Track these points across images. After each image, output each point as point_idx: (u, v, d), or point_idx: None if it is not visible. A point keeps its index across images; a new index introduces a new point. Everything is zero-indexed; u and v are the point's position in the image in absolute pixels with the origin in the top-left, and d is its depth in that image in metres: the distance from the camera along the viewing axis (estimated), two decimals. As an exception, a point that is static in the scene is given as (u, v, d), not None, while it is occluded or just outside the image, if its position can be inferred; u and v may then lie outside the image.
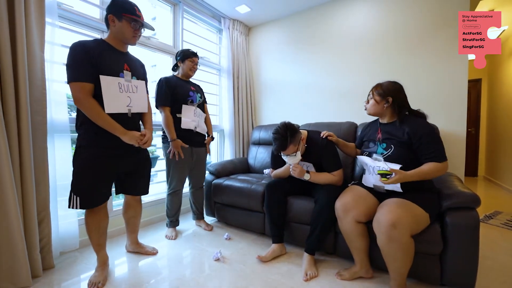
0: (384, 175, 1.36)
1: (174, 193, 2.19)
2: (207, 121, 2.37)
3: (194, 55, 2.20)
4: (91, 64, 1.37)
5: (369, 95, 1.65)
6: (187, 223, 2.50)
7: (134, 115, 1.59)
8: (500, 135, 4.33)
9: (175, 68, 2.27)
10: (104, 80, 1.39)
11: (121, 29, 1.47)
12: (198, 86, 2.36)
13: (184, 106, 2.10)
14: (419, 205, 1.35)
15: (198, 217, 2.44)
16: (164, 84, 2.04)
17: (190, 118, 2.12)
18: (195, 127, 2.16)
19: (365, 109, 1.67)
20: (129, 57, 1.60)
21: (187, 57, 2.16)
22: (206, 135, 2.37)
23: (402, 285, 1.36)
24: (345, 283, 1.53)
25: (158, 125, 2.25)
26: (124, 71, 1.51)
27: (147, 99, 1.70)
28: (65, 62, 1.38)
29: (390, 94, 1.54)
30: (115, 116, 1.44)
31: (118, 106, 1.46)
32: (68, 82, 1.37)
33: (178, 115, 2.09)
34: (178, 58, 2.19)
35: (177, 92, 2.08)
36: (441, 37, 2.30)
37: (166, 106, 2.03)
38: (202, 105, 2.31)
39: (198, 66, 2.25)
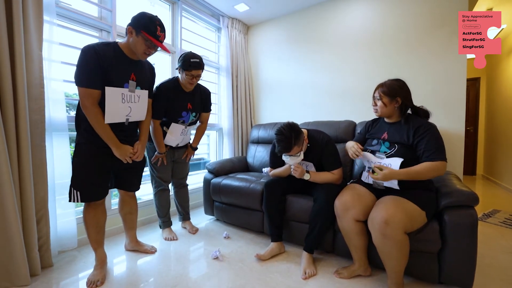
0: (373, 171, 1.37)
1: (160, 191, 2.12)
2: (199, 130, 2.23)
3: (195, 67, 1.85)
4: (101, 70, 1.38)
5: (375, 97, 1.60)
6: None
7: (131, 123, 1.61)
8: (499, 133, 4.34)
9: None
10: (109, 91, 1.41)
11: (136, 43, 1.46)
12: (201, 95, 2.11)
13: (173, 124, 1.96)
14: (414, 203, 1.35)
15: (184, 218, 2.34)
16: (161, 96, 1.85)
17: (175, 136, 2.00)
18: (177, 144, 2.06)
19: (375, 112, 1.63)
20: (138, 65, 1.58)
21: (185, 69, 1.85)
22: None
23: (399, 283, 1.37)
24: (344, 281, 1.53)
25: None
26: (130, 81, 1.51)
27: (148, 107, 1.68)
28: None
29: (398, 94, 1.52)
30: (113, 124, 1.48)
31: (118, 116, 1.49)
32: (76, 85, 1.38)
33: (165, 129, 1.97)
34: (179, 64, 1.90)
35: (171, 108, 1.92)
36: (439, 36, 2.30)
37: (158, 119, 1.89)
38: (197, 120, 2.14)
39: (200, 78, 1.95)
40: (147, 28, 1.43)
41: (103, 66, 1.39)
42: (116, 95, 1.45)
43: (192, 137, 2.27)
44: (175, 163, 2.18)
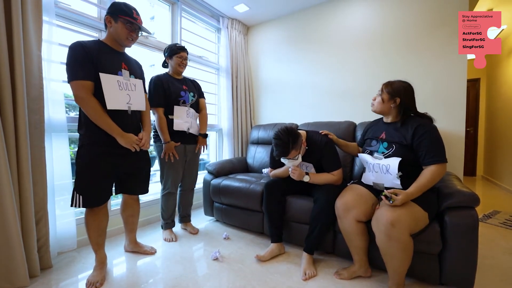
0: (387, 197, 1.33)
1: (168, 194, 2.12)
2: (202, 118, 2.27)
3: (181, 49, 2.09)
4: (90, 62, 1.39)
5: (378, 92, 1.61)
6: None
7: (134, 113, 1.61)
8: (499, 134, 4.34)
9: (165, 64, 2.16)
10: (104, 77, 1.42)
11: (117, 30, 1.50)
12: (192, 82, 2.26)
13: (176, 107, 2.02)
14: (418, 204, 1.34)
15: (185, 220, 2.34)
16: (156, 84, 1.97)
17: (182, 119, 2.05)
18: (188, 129, 2.08)
19: (371, 106, 1.64)
20: (126, 57, 1.63)
21: (174, 53, 2.06)
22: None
23: (400, 284, 1.36)
24: (344, 282, 1.53)
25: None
26: (122, 70, 1.54)
27: (145, 98, 1.71)
28: (65, 62, 1.40)
29: (399, 95, 1.51)
30: (116, 113, 1.47)
31: (119, 102, 1.49)
32: (69, 81, 1.38)
33: (170, 117, 2.01)
34: (166, 54, 2.10)
35: (169, 92, 2.00)
36: (440, 36, 2.30)
37: (160, 107, 1.96)
38: (197, 103, 2.21)
39: (188, 61, 2.15)
40: (124, 12, 1.49)
41: (92, 60, 1.40)
42: (112, 81, 1.46)
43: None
44: (188, 165, 2.18)
